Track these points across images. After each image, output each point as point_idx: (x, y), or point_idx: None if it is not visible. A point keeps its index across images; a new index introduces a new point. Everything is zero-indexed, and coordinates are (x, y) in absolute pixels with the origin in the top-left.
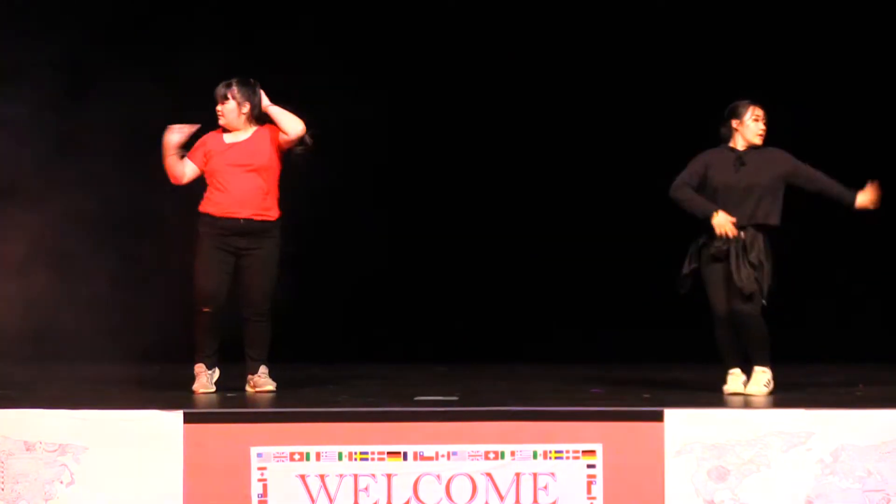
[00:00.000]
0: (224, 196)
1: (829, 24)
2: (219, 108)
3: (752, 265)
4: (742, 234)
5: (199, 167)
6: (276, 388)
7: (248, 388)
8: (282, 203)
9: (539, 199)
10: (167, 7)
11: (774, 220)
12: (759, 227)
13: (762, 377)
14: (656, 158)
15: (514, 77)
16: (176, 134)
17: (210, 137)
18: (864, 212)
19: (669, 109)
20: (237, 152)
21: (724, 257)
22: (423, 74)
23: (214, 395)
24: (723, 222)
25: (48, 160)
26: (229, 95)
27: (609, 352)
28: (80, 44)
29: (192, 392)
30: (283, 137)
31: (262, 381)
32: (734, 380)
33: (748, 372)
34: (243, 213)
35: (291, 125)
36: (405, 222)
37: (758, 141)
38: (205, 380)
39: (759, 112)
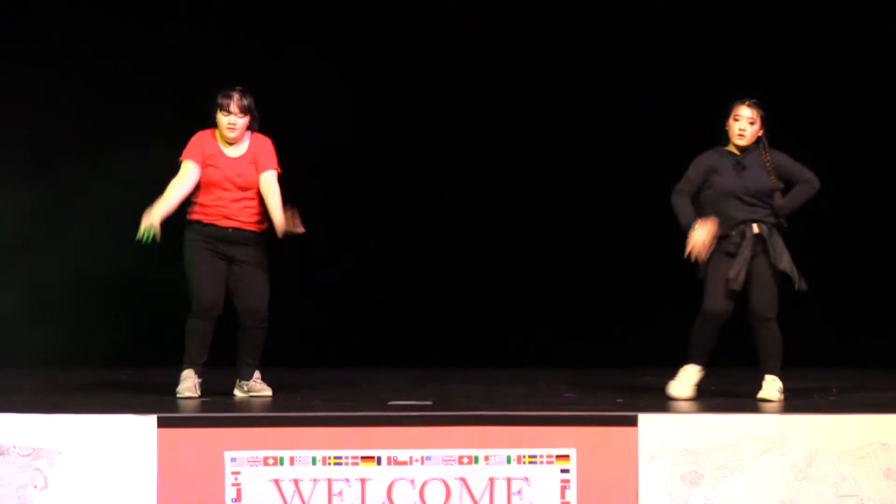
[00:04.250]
0: (215, 208)
1: (830, 25)
2: (233, 120)
3: (780, 270)
4: (755, 228)
5: (200, 168)
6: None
7: (238, 393)
8: None
9: (513, 203)
10: None
11: (786, 221)
12: (774, 226)
13: (775, 384)
14: (635, 166)
15: (502, 80)
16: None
17: (207, 141)
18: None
19: (657, 113)
20: (234, 167)
21: (734, 256)
22: (408, 76)
23: (188, 401)
24: (697, 239)
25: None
26: (248, 110)
27: (582, 356)
28: None
29: (175, 395)
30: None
31: (258, 386)
32: (687, 377)
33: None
34: (232, 223)
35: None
36: (379, 226)
37: (739, 141)
38: (191, 384)
39: (742, 112)
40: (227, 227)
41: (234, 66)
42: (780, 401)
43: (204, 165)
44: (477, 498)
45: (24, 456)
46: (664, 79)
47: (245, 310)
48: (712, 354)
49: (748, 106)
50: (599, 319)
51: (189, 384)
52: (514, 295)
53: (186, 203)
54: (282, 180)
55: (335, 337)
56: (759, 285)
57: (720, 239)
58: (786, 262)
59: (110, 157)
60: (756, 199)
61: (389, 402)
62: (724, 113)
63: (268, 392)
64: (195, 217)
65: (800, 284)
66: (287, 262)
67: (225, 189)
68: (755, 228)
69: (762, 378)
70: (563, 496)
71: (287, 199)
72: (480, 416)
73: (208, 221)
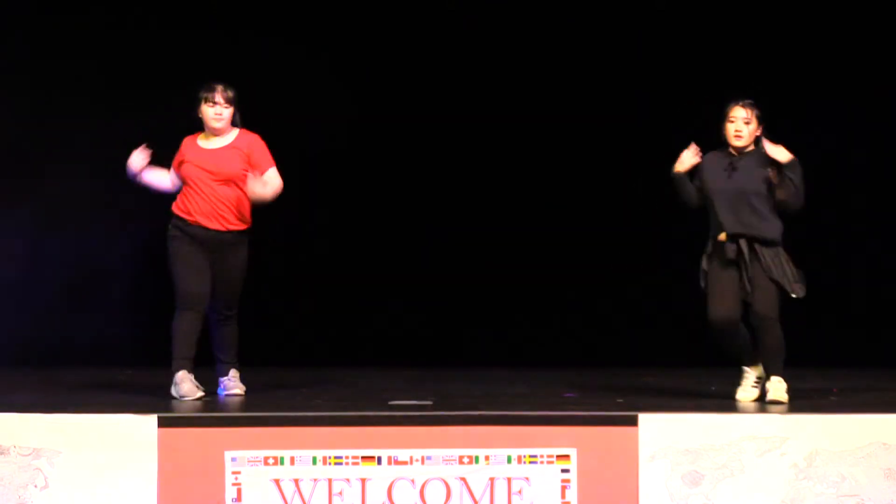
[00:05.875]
0: (195, 204)
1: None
2: (219, 111)
3: (771, 279)
4: (742, 243)
5: (177, 171)
6: (245, 392)
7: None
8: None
9: (514, 202)
10: None
11: (772, 233)
12: (764, 242)
13: (781, 386)
14: (636, 166)
15: (501, 80)
16: (136, 158)
17: (186, 143)
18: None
19: (658, 113)
20: (212, 159)
21: (734, 262)
22: (407, 76)
23: (189, 400)
24: (683, 157)
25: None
26: (232, 101)
27: (582, 356)
28: None
29: (178, 399)
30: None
31: (231, 384)
32: (745, 381)
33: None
34: (213, 224)
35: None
36: (379, 225)
37: (737, 142)
38: (190, 385)
39: (736, 113)
40: (211, 228)
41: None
42: (787, 402)
43: (180, 165)
44: (477, 498)
45: (24, 455)
46: (664, 79)
47: (217, 302)
48: (755, 349)
49: (742, 106)
50: (600, 319)
51: (189, 386)
52: (515, 295)
53: (171, 198)
54: (285, 179)
55: (335, 337)
56: (758, 288)
57: (714, 247)
58: (776, 272)
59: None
60: (744, 202)
61: (390, 402)
62: (720, 117)
63: (239, 390)
64: (180, 214)
65: (795, 292)
66: (287, 262)
67: (204, 183)
68: (742, 245)
69: (767, 380)
70: (563, 496)
71: (287, 200)
72: (481, 415)
73: (193, 222)
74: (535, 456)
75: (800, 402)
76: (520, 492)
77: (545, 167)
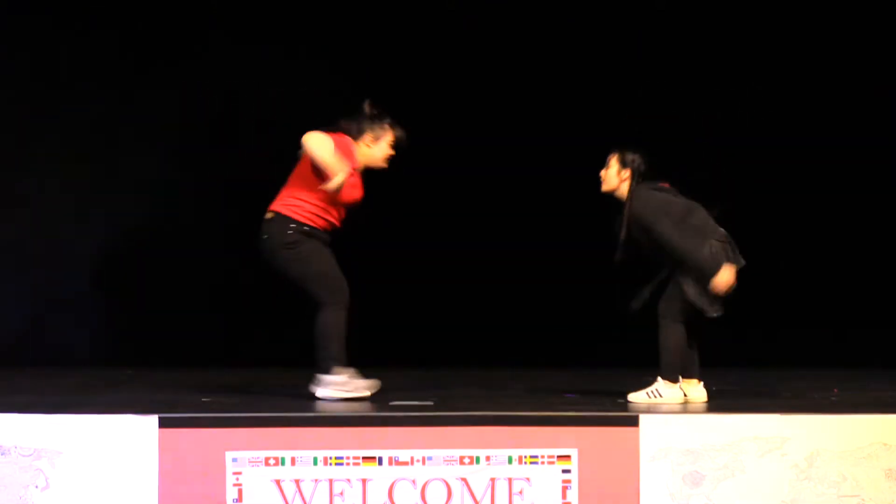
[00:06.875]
0: (338, 211)
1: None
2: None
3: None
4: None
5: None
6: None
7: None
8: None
9: (514, 203)
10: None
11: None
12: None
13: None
14: None
15: (501, 79)
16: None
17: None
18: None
19: (658, 112)
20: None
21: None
22: (407, 76)
23: (191, 401)
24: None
25: None
26: None
27: (582, 356)
28: None
29: (344, 396)
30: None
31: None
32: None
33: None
34: (332, 227)
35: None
36: (379, 225)
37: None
38: (364, 379)
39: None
40: (330, 231)
41: (232, 66)
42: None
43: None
44: (478, 498)
45: (25, 456)
46: (664, 78)
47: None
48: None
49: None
50: (600, 320)
51: (364, 381)
52: (515, 295)
53: (288, 201)
54: (281, 181)
55: None
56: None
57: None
58: (691, 293)
59: (121, 161)
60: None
61: (391, 403)
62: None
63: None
64: (312, 223)
65: (709, 312)
66: None
67: (340, 204)
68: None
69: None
70: (564, 496)
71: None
72: (482, 416)
73: (322, 227)
74: (535, 456)
75: (800, 402)
76: (521, 492)
77: (546, 167)
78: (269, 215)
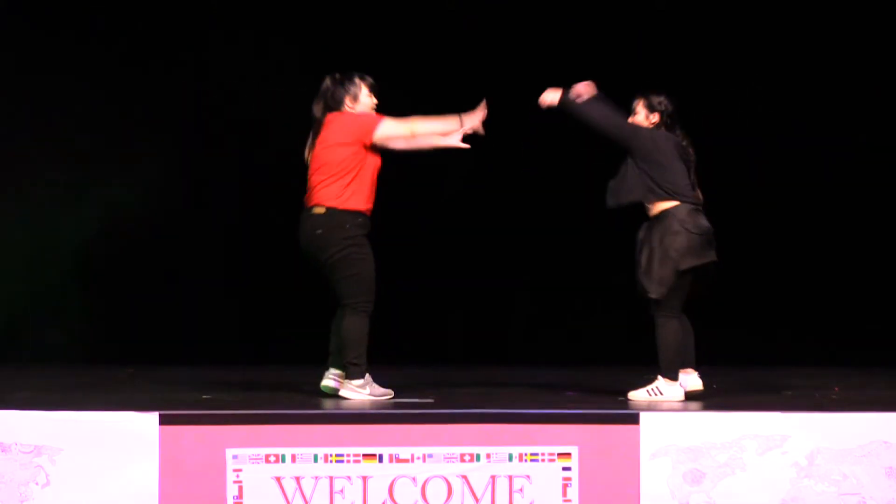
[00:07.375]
0: (369, 195)
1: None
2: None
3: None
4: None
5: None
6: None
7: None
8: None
9: (515, 202)
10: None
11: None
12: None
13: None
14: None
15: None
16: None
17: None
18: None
19: None
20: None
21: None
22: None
23: (194, 399)
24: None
25: None
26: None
27: (583, 354)
28: None
29: (367, 399)
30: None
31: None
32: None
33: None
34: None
35: None
36: (379, 225)
37: None
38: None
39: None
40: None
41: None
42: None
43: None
44: (479, 496)
45: (25, 453)
46: (664, 78)
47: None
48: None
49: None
50: (600, 318)
51: (380, 388)
52: (516, 294)
53: (325, 190)
54: (282, 182)
55: None
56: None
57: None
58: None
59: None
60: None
61: (391, 400)
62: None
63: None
64: (354, 207)
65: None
66: (288, 262)
67: (374, 171)
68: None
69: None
70: (564, 494)
71: (287, 200)
72: (482, 413)
73: (364, 210)
74: (536, 454)
75: (801, 400)
76: (521, 490)
77: (546, 167)
78: (318, 210)
